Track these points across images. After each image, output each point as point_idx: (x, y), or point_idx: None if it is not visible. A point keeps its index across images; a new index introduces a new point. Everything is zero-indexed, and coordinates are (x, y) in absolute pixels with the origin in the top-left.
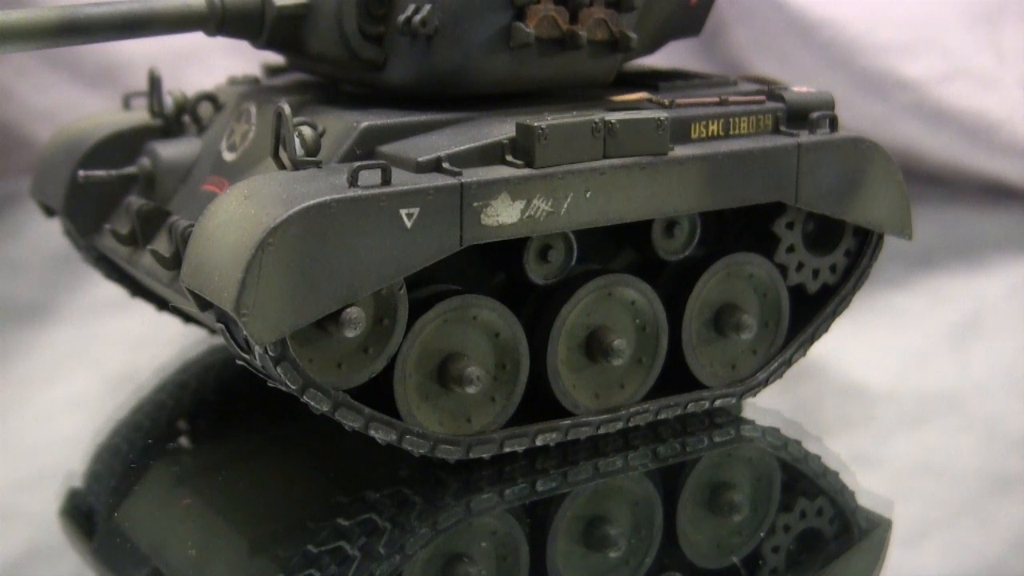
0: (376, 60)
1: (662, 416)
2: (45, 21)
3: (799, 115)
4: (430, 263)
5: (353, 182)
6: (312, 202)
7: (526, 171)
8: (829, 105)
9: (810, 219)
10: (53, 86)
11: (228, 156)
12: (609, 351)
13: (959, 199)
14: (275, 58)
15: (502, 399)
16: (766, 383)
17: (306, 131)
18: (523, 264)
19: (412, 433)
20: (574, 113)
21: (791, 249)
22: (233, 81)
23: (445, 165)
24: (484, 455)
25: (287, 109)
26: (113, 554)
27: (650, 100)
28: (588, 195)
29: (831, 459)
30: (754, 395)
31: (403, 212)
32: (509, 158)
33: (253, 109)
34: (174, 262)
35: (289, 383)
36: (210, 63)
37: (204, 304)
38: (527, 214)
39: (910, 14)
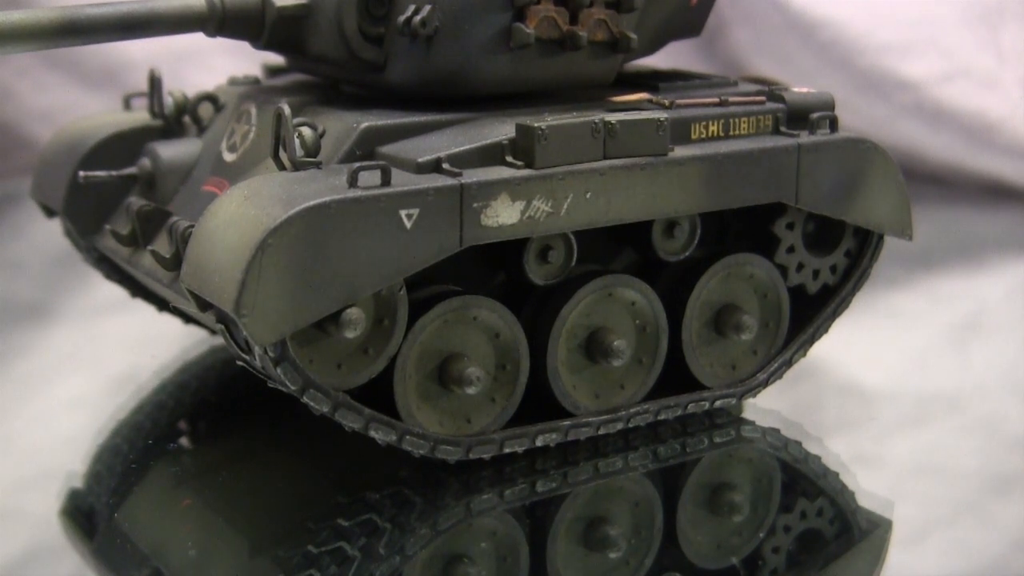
0: (376, 61)
1: (662, 417)
2: (45, 21)
3: (799, 116)
4: (430, 264)
5: (353, 183)
6: (312, 203)
7: (526, 172)
8: (829, 106)
9: (810, 220)
10: (53, 86)
11: (228, 157)
12: (609, 352)
13: (959, 199)
14: (275, 58)
15: (502, 400)
16: (766, 384)
17: (306, 132)
18: (523, 265)
19: (412, 434)
20: (574, 114)
21: (791, 250)
22: (233, 81)
23: (445, 166)
24: (484, 455)
25: (287, 110)
26: (113, 554)
27: (650, 101)
28: (588, 196)
29: (831, 460)
30: (754, 396)
31: (403, 213)
32: (509, 159)
33: (253, 110)
34: (174, 263)
35: (289, 384)
36: (210, 63)
37: (204, 305)
38: (527, 215)
39: (910, 14)
